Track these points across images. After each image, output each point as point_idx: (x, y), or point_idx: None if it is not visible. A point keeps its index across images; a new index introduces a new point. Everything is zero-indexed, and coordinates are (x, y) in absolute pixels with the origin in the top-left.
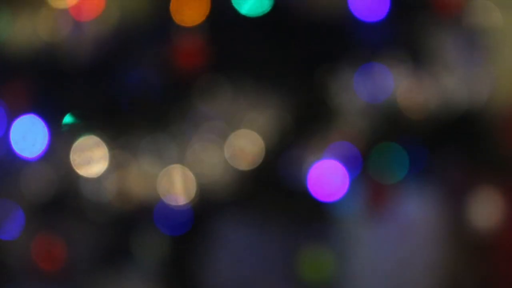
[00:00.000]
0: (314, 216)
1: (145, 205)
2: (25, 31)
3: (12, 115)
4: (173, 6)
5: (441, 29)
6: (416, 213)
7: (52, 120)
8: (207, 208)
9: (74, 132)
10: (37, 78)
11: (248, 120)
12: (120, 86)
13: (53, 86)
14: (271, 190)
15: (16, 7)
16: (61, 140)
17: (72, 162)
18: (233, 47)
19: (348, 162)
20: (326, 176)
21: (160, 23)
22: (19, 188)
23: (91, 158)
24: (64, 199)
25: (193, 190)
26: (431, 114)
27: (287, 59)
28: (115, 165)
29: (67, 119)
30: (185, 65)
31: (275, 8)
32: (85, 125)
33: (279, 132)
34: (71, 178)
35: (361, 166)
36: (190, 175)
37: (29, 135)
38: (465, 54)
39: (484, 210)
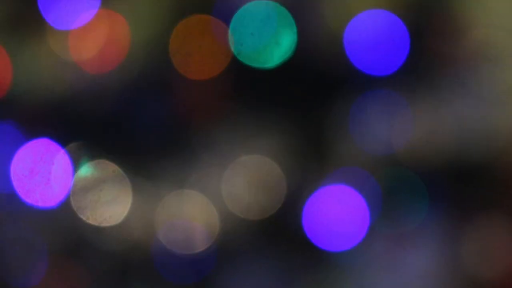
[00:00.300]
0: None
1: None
2: (44, 81)
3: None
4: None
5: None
6: (429, 261)
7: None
8: (228, 251)
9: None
10: (55, 124)
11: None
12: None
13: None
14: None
15: (34, 58)
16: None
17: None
18: (243, 93)
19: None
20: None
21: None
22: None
23: (115, 198)
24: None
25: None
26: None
27: (293, 105)
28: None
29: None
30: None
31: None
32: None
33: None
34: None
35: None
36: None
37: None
38: (480, 103)
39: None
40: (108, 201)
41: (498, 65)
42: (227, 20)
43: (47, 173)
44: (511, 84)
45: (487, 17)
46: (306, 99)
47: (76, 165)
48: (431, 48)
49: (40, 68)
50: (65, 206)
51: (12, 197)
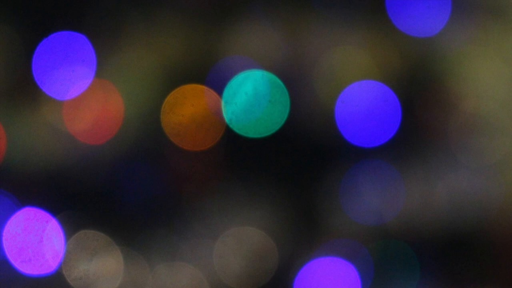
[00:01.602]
0: None
1: None
2: (38, 150)
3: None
4: (178, 131)
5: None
6: None
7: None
8: None
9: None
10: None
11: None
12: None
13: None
14: None
15: (28, 127)
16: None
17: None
18: (235, 164)
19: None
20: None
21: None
22: None
23: (107, 268)
24: None
25: None
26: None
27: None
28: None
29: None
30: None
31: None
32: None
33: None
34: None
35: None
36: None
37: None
38: (471, 173)
39: None
40: (100, 272)
41: (488, 137)
42: (220, 90)
43: (39, 241)
44: (502, 155)
45: (478, 89)
46: (298, 170)
47: (68, 234)
48: (423, 119)
49: (34, 138)
50: (57, 275)
51: (4, 264)
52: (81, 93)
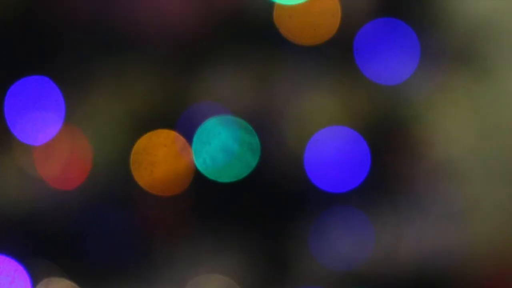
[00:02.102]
0: None
1: None
2: (6, 194)
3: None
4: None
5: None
6: None
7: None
8: None
9: None
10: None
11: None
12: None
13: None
14: None
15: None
16: None
17: None
18: (204, 209)
19: None
20: None
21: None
22: None
23: None
24: None
25: None
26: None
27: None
28: None
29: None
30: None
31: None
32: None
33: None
34: None
35: None
36: None
37: None
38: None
39: None
40: None
41: (457, 183)
42: (190, 135)
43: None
44: (470, 202)
45: (446, 135)
46: (268, 215)
47: (35, 281)
48: (391, 165)
49: (3, 182)
50: None
51: None
52: (51, 138)
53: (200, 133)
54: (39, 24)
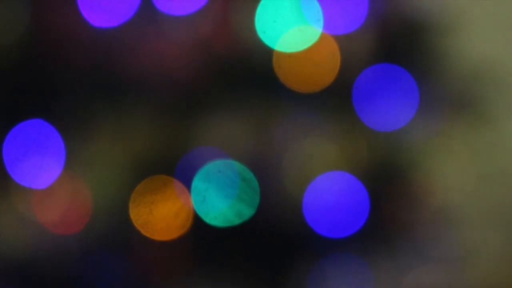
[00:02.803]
0: None
1: None
2: (6, 239)
3: None
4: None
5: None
6: None
7: None
8: None
9: None
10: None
11: None
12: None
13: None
14: None
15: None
16: None
17: None
18: (203, 254)
19: None
20: None
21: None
22: None
23: None
24: None
25: None
26: None
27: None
28: None
29: None
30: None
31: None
32: None
33: None
34: None
35: None
36: None
37: None
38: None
39: None
40: None
41: (455, 229)
42: (189, 180)
43: None
44: (469, 247)
45: (444, 181)
46: (266, 261)
47: None
48: (390, 211)
49: (2, 226)
50: None
51: None
52: (51, 183)
53: (199, 178)
54: (39, 68)
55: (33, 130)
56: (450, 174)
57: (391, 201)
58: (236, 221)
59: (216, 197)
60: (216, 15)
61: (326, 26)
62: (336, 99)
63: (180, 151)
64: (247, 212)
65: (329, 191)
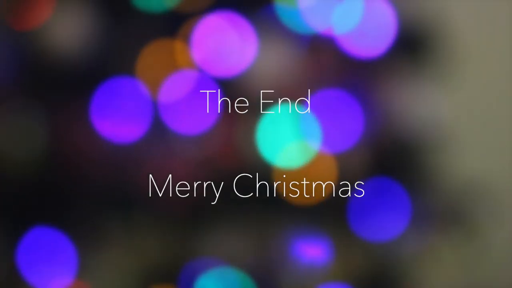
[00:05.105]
0: None
1: None
2: None
3: None
4: None
5: None
6: None
7: None
8: None
9: None
10: None
11: None
12: None
13: None
14: None
15: None
16: None
17: None
18: None
19: None
20: None
21: None
22: None
23: None
24: None
25: None
26: None
27: None
28: None
29: None
30: None
31: None
32: None
33: None
34: None
35: None
36: None
37: None
38: None
39: None
40: None
41: None
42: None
43: None
44: None
45: None
46: None
47: None
48: None
49: None
50: None
51: None
52: None
53: (202, 285)
54: (53, 179)
55: (46, 238)
56: (439, 285)
57: None
58: None
59: None
60: (221, 135)
61: (324, 143)
62: (331, 211)
63: (185, 260)
64: None
65: None
